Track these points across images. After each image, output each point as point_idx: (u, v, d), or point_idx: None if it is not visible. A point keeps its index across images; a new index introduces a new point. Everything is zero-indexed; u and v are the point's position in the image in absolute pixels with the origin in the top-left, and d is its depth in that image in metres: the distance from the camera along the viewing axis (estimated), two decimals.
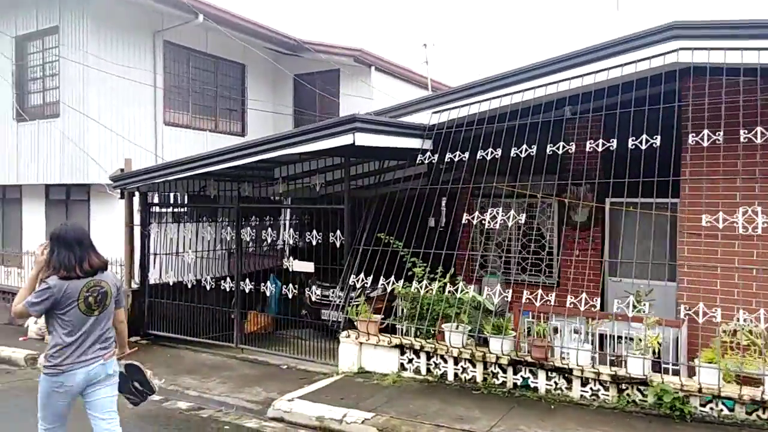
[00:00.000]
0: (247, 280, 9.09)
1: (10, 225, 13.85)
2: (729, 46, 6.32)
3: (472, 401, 6.54)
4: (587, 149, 7.30)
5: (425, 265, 7.70)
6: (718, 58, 6.37)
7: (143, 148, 12.26)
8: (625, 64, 6.92)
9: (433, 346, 7.24)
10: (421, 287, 7.37)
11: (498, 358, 6.83)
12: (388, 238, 7.78)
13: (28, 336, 10.02)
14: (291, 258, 8.73)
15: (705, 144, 6.36)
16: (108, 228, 11.84)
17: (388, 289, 7.64)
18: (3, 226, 14.07)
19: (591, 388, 6.40)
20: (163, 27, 12.71)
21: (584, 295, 6.59)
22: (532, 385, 6.70)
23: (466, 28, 41.33)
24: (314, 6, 39.00)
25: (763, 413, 5.66)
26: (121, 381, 4.54)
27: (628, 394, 6.22)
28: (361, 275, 7.73)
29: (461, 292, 7.17)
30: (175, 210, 10.61)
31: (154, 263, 10.17)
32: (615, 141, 6.84)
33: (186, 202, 10.61)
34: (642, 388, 6.15)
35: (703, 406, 5.86)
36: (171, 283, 9.95)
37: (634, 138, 6.72)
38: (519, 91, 7.59)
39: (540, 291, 6.85)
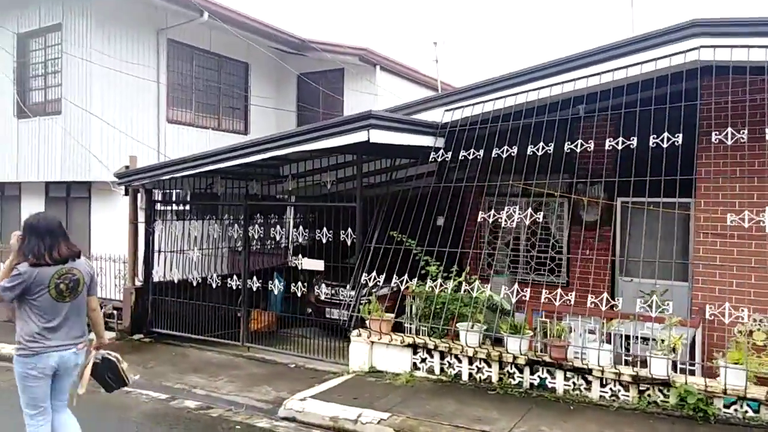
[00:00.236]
0: (255, 278, 8.95)
1: (9, 223, 13.61)
2: (752, 44, 6.25)
3: (489, 402, 6.41)
4: (605, 147, 7.23)
5: (438, 263, 7.59)
6: (740, 56, 6.30)
7: (146, 145, 12.11)
8: (645, 61, 6.84)
9: (447, 345, 7.11)
10: (435, 286, 7.24)
11: (515, 358, 6.71)
12: (400, 236, 7.66)
13: None
14: (300, 256, 8.56)
15: (729, 142, 6.28)
16: (109, 226, 11.72)
17: (402, 288, 7.51)
18: (2, 223, 13.85)
19: (610, 389, 6.29)
20: (167, 25, 12.57)
21: (604, 294, 6.49)
22: (549, 386, 6.58)
23: (476, 26, 41.26)
24: (320, 5, 38.92)
25: None
26: (97, 369, 4.72)
27: (648, 395, 6.11)
28: (373, 273, 7.60)
29: (477, 291, 7.04)
30: (180, 207, 10.46)
31: (158, 261, 10.00)
32: (635, 139, 6.74)
33: (191, 199, 10.46)
34: (663, 388, 6.05)
35: (727, 407, 5.75)
36: (176, 281, 9.78)
37: (655, 136, 6.63)
38: (535, 89, 7.49)
39: (554, 290, 6.75)
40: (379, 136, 7.25)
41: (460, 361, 7.09)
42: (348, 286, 8.17)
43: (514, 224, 7.23)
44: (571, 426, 5.73)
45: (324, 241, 8.22)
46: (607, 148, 6.97)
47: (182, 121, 13.26)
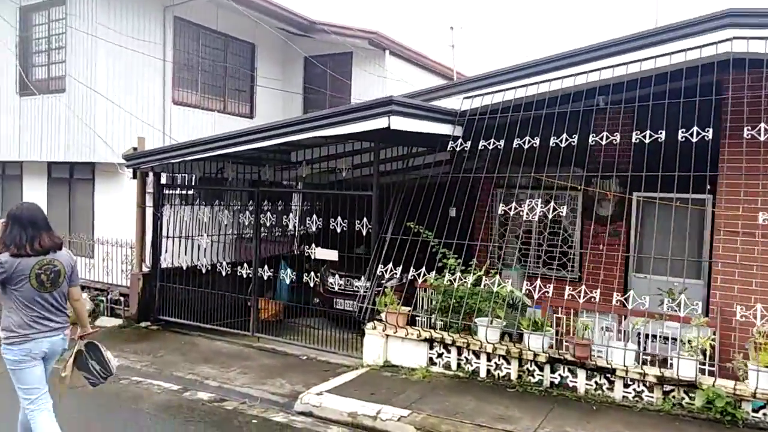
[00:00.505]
0: (266, 267, 8.77)
1: (10, 203, 13.29)
2: None
3: (509, 400, 6.27)
4: (623, 140, 7.03)
5: (457, 256, 7.41)
6: None
7: (152, 127, 11.83)
8: (674, 52, 6.63)
9: (465, 341, 6.95)
10: (454, 279, 7.08)
11: (536, 355, 6.56)
12: (417, 227, 7.47)
13: None
14: (313, 246, 8.36)
15: (762, 138, 6.08)
16: (113, 208, 11.47)
17: (419, 281, 7.34)
18: (2, 204, 13.60)
19: (634, 389, 6.15)
20: (174, 2, 12.25)
21: (630, 293, 6.33)
22: (570, 385, 6.44)
23: (493, 12, 40.58)
24: None
25: None
26: (82, 359, 4.77)
27: (673, 396, 5.98)
28: (390, 265, 7.43)
29: (498, 285, 6.88)
30: (189, 192, 10.23)
31: (166, 246, 9.80)
32: (663, 133, 6.53)
33: (200, 184, 10.23)
34: (688, 390, 5.91)
35: (756, 411, 5.63)
36: (184, 267, 9.58)
37: (684, 130, 6.44)
38: (558, 78, 7.28)
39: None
40: (399, 123, 7.05)
41: (477, 357, 6.94)
42: (363, 278, 7.98)
43: (536, 217, 7.06)
44: (596, 426, 5.60)
45: (338, 230, 8.03)
46: (633, 140, 6.76)
47: (188, 102, 12.96)
